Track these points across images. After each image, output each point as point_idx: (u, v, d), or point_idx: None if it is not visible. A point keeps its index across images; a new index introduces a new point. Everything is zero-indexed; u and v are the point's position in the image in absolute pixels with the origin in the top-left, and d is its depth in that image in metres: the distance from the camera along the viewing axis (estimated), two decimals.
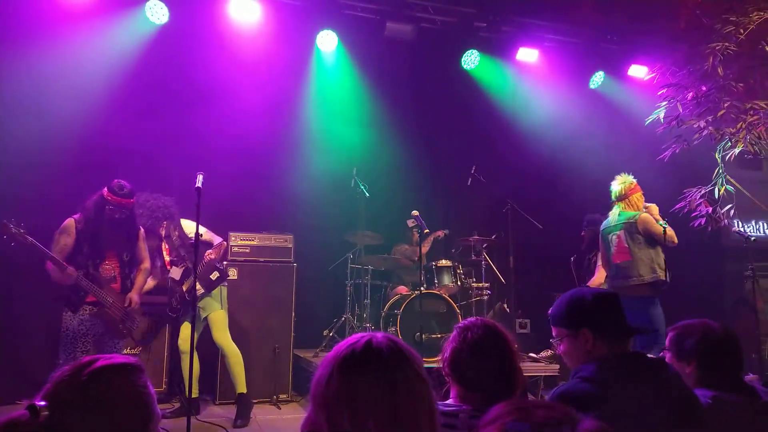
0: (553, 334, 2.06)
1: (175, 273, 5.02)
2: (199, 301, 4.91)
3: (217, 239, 5.06)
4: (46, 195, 5.11)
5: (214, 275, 5.01)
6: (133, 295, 4.25)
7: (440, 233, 6.88)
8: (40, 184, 5.26)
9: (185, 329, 4.92)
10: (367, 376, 1.06)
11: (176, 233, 5.00)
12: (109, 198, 4.07)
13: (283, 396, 5.53)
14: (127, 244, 4.27)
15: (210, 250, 4.96)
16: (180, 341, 4.99)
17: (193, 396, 4.70)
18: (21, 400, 4.69)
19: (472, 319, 1.85)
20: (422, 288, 5.61)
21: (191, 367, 3.95)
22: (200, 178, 3.88)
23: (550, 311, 2.09)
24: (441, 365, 1.82)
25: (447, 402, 1.76)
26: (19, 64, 5.41)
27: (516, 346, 1.83)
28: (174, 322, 5.19)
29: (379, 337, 1.12)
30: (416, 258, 5.85)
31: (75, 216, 4.09)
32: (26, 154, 5.23)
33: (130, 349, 5.19)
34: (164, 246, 5.04)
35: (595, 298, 1.97)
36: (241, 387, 4.92)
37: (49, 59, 5.50)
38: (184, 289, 4.95)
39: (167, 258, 5.04)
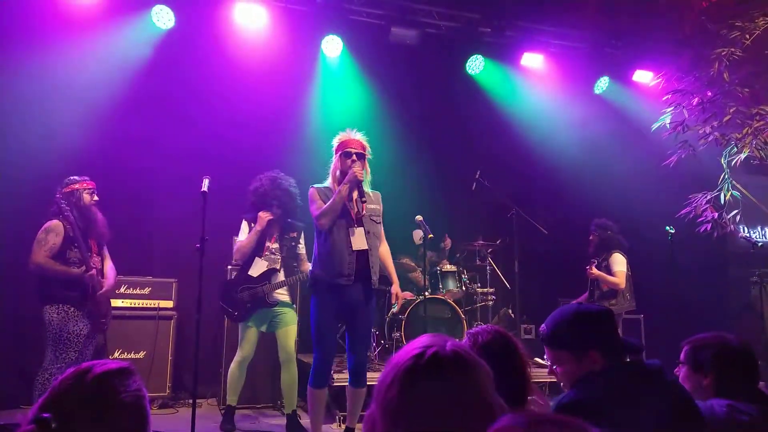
0: (548, 356, 1.96)
1: (259, 266, 4.63)
2: (275, 306, 4.62)
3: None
4: (49, 200, 5.11)
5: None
6: (103, 279, 4.22)
7: (447, 241, 6.83)
8: (45, 189, 5.25)
9: (253, 335, 4.62)
10: (426, 388, 1.06)
11: (294, 234, 4.76)
12: (85, 186, 4.20)
13: None
14: (103, 231, 4.30)
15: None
16: (248, 346, 4.60)
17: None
18: (25, 405, 4.70)
19: (482, 326, 1.86)
20: (427, 293, 5.59)
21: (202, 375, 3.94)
22: (206, 182, 3.89)
23: (544, 332, 1.96)
24: None
25: None
26: (25, 69, 5.41)
27: (524, 354, 1.82)
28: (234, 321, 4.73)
29: (447, 348, 1.11)
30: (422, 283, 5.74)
31: (54, 220, 4.07)
32: (31, 158, 5.22)
33: (126, 354, 5.20)
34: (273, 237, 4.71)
35: (599, 316, 1.91)
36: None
37: (54, 64, 5.50)
38: (266, 290, 4.57)
39: (271, 245, 4.68)
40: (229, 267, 5.57)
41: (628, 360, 1.93)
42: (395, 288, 4.23)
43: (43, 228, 4.03)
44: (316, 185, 3.98)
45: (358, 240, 3.81)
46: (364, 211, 3.89)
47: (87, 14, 5.70)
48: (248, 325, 4.60)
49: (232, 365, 4.64)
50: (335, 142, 4.02)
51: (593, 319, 1.90)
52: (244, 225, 4.71)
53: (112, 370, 1.31)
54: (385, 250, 4.18)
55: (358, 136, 3.99)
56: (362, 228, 3.83)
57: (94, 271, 4.03)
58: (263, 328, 4.69)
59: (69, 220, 4.05)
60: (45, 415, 1.17)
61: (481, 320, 6.46)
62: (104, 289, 4.16)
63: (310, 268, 4.13)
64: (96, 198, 4.25)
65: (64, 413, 1.19)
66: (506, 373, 1.72)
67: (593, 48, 7.13)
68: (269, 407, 5.41)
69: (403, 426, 1.04)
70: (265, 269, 4.64)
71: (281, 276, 4.67)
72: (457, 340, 1.19)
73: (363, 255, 3.82)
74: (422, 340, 1.13)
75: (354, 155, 3.88)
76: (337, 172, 3.94)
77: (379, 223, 4.03)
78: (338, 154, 3.96)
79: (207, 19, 6.11)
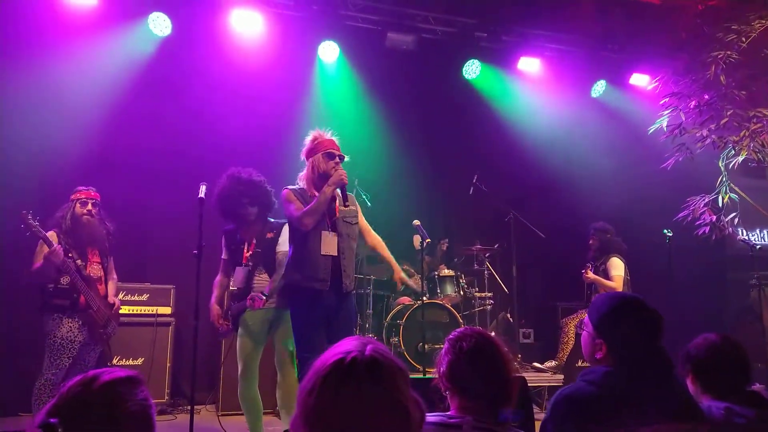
0: (584, 320, 2.05)
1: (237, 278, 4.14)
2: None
3: None
4: (46, 207, 5.10)
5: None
6: (116, 298, 4.31)
7: (444, 244, 6.84)
8: (42, 197, 5.25)
9: (246, 345, 4.04)
10: (344, 395, 1.07)
11: (271, 234, 4.16)
12: (79, 196, 4.20)
13: None
14: (104, 242, 4.28)
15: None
16: (243, 356, 4.03)
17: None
18: (24, 412, 4.69)
19: (461, 329, 1.84)
20: (425, 298, 5.58)
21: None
22: (203, 188, 3.87)
23: (594, 298, 2.08)
24: (439, 379, 1.80)
25: (449, 414, 1.74)
26: (22, 77, 5.42)
27: (507, 350, 1.81)
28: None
29: (366, 353, 1.12)
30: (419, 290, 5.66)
31: (50, 230, 4.05)
32: (28, 165, 5.24)
33: (124, 360, 5.18)
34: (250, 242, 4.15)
35: (624, 312, 1.92)
36: None
37: (51, 71, 5.51)
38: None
39: (247, 254, 4.13)
40: None
41: (637, 361, 1.87)
42: (398, 274, 4.07)
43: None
44: (289, 186, 3.83)
45: (328, 245, 3.68)
46: (338, 214, 3.78)
47: (84, 21, 5.71)
48: (239, 334, 4.09)
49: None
50: (311, 142, 3.84)
51: (616, 312, 1.92)
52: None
53: (120, 378, 1.30)
54: (376, 240, 4.07)
55: (333, 137, 3.86)
56: (335, 232, 3.72)
57: (58, 248, 3.90)
58: (259, 338, 4.12)
59: (66, 224, 4.11)
60: (52, 420, 1.17)
61: (480, 325, 6.44)
62: (115, 308, 4.27)
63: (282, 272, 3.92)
64: (89, 208, 4.18)
65: (70, 420, 1.18)
66: (491, 374, 1.72)
67: (589, 52, 7.14)
68: (269, 413, 5.38)
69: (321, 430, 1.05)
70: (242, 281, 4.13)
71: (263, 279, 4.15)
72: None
73: (336, 259, 3.70)
74: (344, 345, 1.15)
75: (337, 157, 3.76)
76: (317, 173, 3.75)
77: (355, 224, 3.89)
78: (320, 154, 3.77)
79: (203, 26, 6.12)
